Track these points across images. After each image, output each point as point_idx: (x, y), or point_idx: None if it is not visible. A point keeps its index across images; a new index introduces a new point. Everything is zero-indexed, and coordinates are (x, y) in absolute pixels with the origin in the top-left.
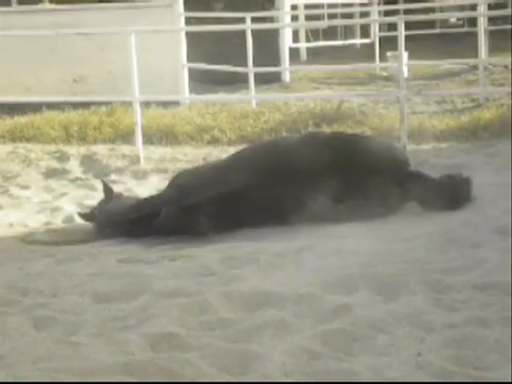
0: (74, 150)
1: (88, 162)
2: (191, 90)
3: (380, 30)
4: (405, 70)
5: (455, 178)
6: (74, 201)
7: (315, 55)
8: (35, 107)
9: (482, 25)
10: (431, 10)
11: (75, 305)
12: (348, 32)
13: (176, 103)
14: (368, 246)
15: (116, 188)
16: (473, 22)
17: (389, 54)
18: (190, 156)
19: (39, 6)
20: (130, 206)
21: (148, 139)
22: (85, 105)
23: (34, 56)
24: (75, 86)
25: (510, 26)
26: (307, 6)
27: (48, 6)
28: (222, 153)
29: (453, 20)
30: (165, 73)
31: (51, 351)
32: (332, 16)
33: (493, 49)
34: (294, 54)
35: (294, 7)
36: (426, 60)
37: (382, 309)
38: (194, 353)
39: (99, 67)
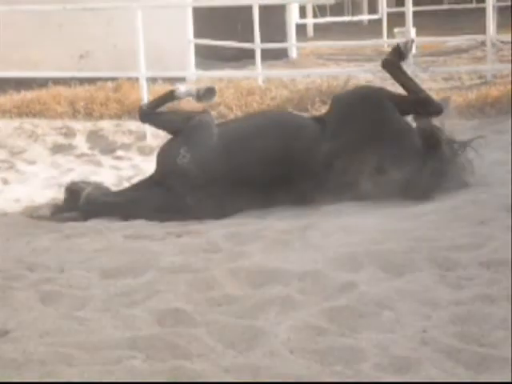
0: (81, 126)
1: (94, 137)
2: (197, 66)
3: (388, 6)
4: (412, 46)
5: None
6: (81, 176)
7: (322, 31)
8: (42, 83)
9: (491, 1)
10: None
11: (82, 280)
12: (355, 8)
13: (182, 79)
14: (374, 223)
15: (123, 164)
16: None
17: (396, 30)
18: None
19: None
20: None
21: None
22: (91, 80)
23: (40, 31)
24: (82, 62)
25: None
26: None
27: None
28: None
29: None
30: (171, 48)
31: (58, 326)
32: None
33: (501, 25)
34: (301, 30)
35: None
36: (433, 36)
37: (388, 286)
38: (200, 328)
39: (106, 43)
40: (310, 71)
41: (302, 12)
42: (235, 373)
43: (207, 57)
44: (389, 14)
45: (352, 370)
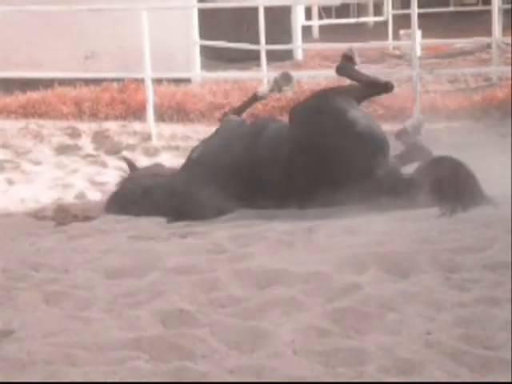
0: (86, 127)
1: (99, 138)
2: (203, 67)
3: (393, 8)
4: (418, 48)
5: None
6: (86, 177)
7: (328, 33)
8: (47, 83)
9: (496, 3)
10: None
11: (86, 280)
12: (361, 10)
13: (188, 80)
14: (378, 225)
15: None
16: (487, 0)
17: (402, 32)
18: (202, 134)
19: None
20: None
21: (159, 116)
22: (97, 81)
23: (46, 32)
24: (87, 63)
25: None
26: None
27: None
28: None
29: None
30: (177, 50)
31: (62, 326)
32: None
33: (507, 27)
34: (307, 31)
35: None
36: (439, 38)
37: (392, 287)
38: (204, 329)
39: (111, 44)
40: (316, 73)
41: (308, 14)
42: (239, 374)
43: (212, 58)
44: (394, 16)
45: (356, 372)
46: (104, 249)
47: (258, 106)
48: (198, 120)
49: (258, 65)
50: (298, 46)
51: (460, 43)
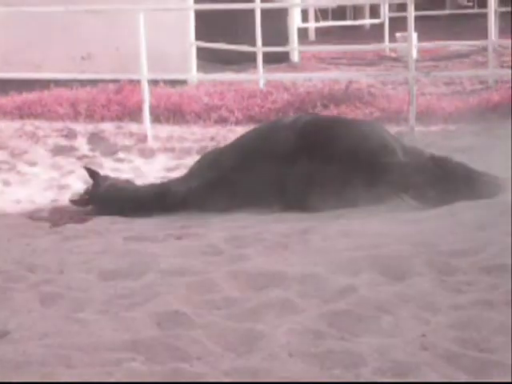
0: (82, 128)
1: (95, 139)
2: (199, 69)
3: (389, 11)
4: (414, 51)
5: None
6: (82, 178)
7: (324, 35)
8: (43, 84)
9: (492, 6)
10: None
11: (82, 282)
12: (357, 12)
13: (184, 82)
14: (374, 227)
15: (123, 166)
16: (483, 3)
17: (398, 34)
18: (198, 135)
19: None
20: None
21: (155, 118)
22: (93, 82)
23: (42, 33)
24: (83, 64)
25: None
26: None
27: None
28: (229, 132)
29: (463, 1)
30: (173, 51)
31: (58, 327)
32: None
33: (502, 30)
34: (303, 33)
35: None
36: (435, 41)
37: (388, 290)
38: (200, 331)
39: (107, 45)
40: (312, 75)
41: (304, 16)
42: (234, 376)
43: (209, 60)
44: (391, 19)
45: (351, 374)
46: (99, 250)
47: (255, 108)
48: (194, 121)
49: (255, 67)
50: (295, 48)
51: (456, 46)
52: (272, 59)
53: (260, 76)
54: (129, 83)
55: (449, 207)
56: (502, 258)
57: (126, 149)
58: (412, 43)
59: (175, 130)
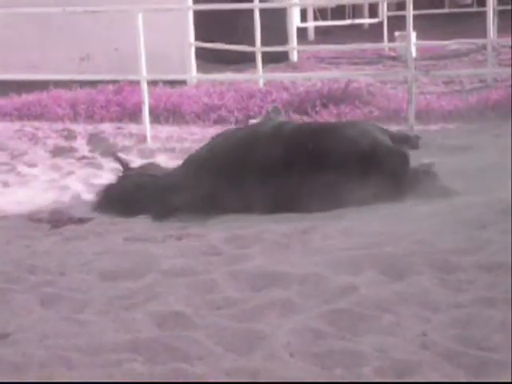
0: (81, 129)
1: (95, 140)
2: (198, 69)
3: (388, 10)
4: (413, 50)
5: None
6: (81, 179)
7: (323, 35)
8: (42, 85)
9: (491, 5)
10: None
11: (82, 283)
12: (356, 11)
13: (183, 82)
14: (374, 226)
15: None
16: (482, 1)
17: (397, 33)
18: (197, 135)
19: None
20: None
21: (155, 118)
22: (92, 83)
23: (41, 34)
24: (82, 64)
25: None
26: None
27: None
28: None
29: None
30: (172, 51)
31: (58, 329)
32: None
33: (502, 29)
34: (302, 33)
35: None
36: (434, 40)
37: (388, 289)
38: (200, 331)
39: (107, 45)
40: (311, 74)
41: (303, 15)
42: (235, 376)
43: (208, 60)
44: (389, 18)
45: (352, 374)
46: (99, 251)
47: (254, 109)
48: (193, 122)
49: (254, 66)
50: (294, 47)
51: (455, 45)
52: (271, 59)
53: (259, 76)
54: (128, 84)
55: (449, 205)
56: (502, 256)
57: (126, 149)
58: (411, 42)
59: (175, 130)
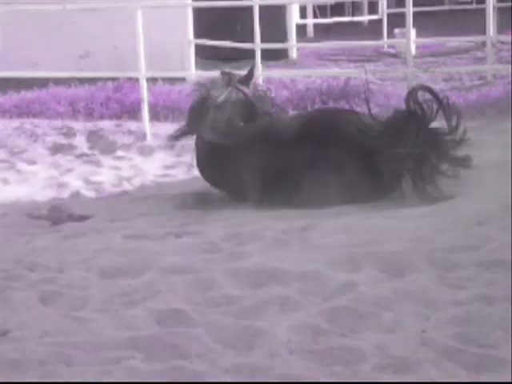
0: (81, 126)
1: (94, 137)
2: (197, 67)
3: (388, 7)
4: (412, 47)
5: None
6: (81, 176)
7: (322, 32)
8: (42, 83)
9: (491, 2)
10: None
11: (81, 280)
12: (356, 8)
13: (182, 79)
14: (373, 224)
15: (123, 164)
16: None
17: (396, 30)
18: None
19: None
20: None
21: (154, 115)
22: (91, 80)
23: (40, 31)
24: (82, 62)
25: None
26: None
27: None
28: None
29: None
30: (171, 49)
31: (57, 326)
32: None
33: (501, 26)
34: (301, 30)
35: None
36: (434, 37)
37: (388, 286)
38: (200, 329)
39: (106, 43)
40: (310, 71)
41: (303, 12)
42: (234, 373)
43: (207, 57)
44: (389, 15)
45: (351, 371)
46: (99, 248)
47: None
48: None
49: (253, 64)
50: (293, 44)
51: (455, 42)
52: (271, 56)
53: (259, 73)
54: (127, 81)
55: (449, 203)
56: (502, 254)
57: (125, 147)
58: (410, 39)
59: (174, 127)
